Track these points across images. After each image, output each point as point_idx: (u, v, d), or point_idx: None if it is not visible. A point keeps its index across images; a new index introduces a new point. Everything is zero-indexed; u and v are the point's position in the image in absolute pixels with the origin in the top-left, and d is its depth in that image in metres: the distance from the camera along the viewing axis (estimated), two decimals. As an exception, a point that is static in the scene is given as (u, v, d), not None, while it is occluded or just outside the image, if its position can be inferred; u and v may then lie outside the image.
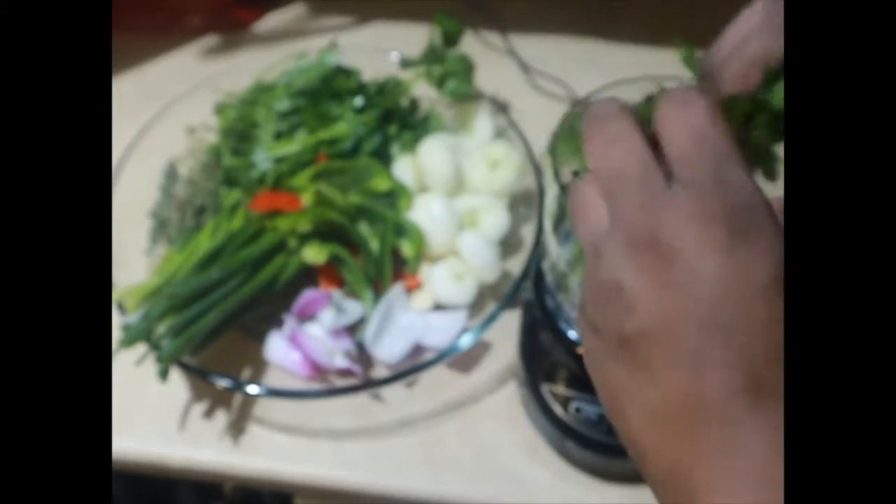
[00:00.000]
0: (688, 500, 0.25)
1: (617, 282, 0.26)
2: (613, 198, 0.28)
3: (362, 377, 0.52)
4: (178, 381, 0.54)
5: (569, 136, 0.44)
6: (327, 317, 0.53)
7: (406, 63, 0.64)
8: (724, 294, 0.24)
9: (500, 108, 0.65)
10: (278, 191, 0.57)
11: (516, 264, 0.57)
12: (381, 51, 0.67)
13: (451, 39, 0.63)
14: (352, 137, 0.59)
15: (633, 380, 0.26)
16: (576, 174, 0.44)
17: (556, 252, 0.46)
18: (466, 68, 0.63)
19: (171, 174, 0.63)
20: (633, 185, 0.27)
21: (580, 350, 0.29)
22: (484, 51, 0.79)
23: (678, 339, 0.25)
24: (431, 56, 0.63)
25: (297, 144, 0.59)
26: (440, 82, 0.63)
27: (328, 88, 0.61)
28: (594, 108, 0.30)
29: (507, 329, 0.54)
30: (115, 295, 0.51)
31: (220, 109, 0.63)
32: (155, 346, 0.49)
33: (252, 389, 0.51)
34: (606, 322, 0.27)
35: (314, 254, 0.55)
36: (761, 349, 0.24)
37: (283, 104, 0.60)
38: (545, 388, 0.49)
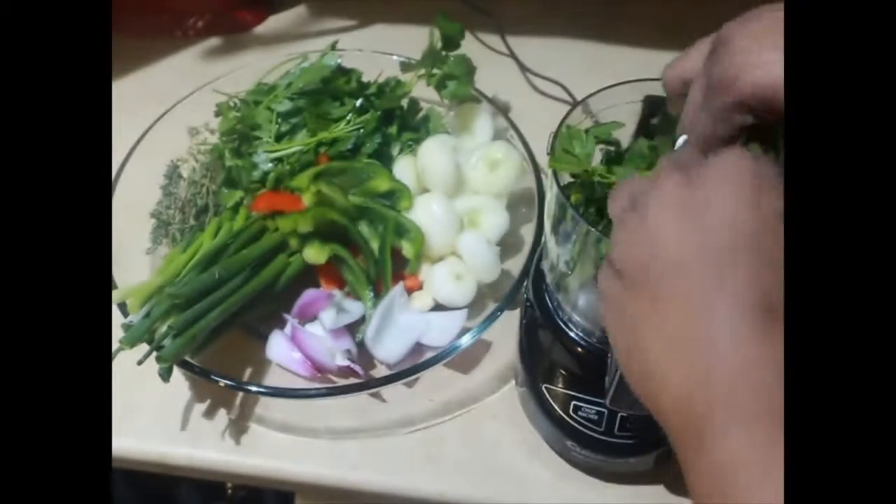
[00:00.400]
0: (702, 424, 0.26)
1: (646, 219, 0.30)
2: (659, 170, 0.32)
3: (363, 377, 0.52)
4: (179, 381, 0.55)
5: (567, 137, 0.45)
6: (328, 316, 0.53)
7: (407, 67, 0.65)
8: (745, 236, 0.28)
9: (500, 109, 0.66)
10: (279, 191, 0.58)
11: (516, 264, 0.58)
12: (382, 53, 0.68)
13: (451, 42, 0.63)
14: (352, 138, 0.59)
15: (653, 308, 0.29)
16: (574, 177, 0.45)
17: (556, 252, 0.46)
18: (467, 70, 0.63)
19: (172, 175, 0.63)
20: (679, 162, 0.31)
21: (599, 288, 0.33)
22: (484, 53, 0.79)
23: (699, 266, 0.28)
24: (432, 58, 0.63)
25: (297, 145, 0.59)
26: (441, 84, 0.63)
27: (329, 90, 0.62)
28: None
29: (507, 329, 0.54)
30: (117, 295, 0.51)
31: (222, 111, 0.63)
32: (157, 346, 0.49)
33: (253, 389, 0.51)
34: (632, 259, 0.30)
35: (315, 254, 0.55)
36: (773, 278, 0.27)
37: (284, 105, 0.60)
38: (545, 388, 0.50)
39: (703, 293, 0.28)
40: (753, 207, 0.28)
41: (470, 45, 0.69)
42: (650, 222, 0.30)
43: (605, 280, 0.32)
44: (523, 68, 0.77)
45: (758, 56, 0.32)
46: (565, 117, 0.45)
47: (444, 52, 0.63)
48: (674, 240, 0.29)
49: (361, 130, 0.60)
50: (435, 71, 0.63)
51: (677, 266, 0.28)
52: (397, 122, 0.63)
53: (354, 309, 0.55)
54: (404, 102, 0.64)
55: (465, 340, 0.52)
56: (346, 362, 0.52)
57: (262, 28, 0.83)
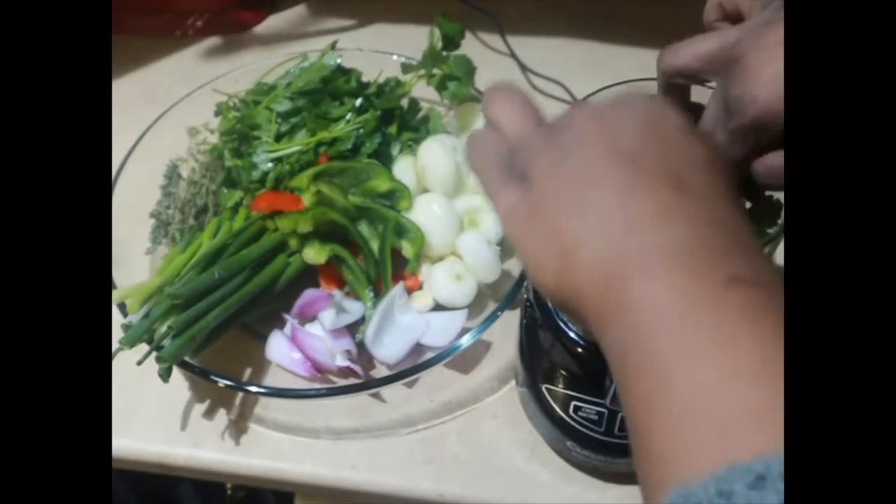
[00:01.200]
0: (620, 284, 0.26)
1: (559, 130, 0.31)
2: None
3: (363, 377, 0.52)
4: (179, 381, 0.55)
5: None
6: (328, 316, 0.53)
7: (407, 68, 0.65)
8: (655, 137, 0.29)
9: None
10: (279, 191, 0.58)
11: (516, 264, 0.58)
12: (382, 53, 0.68)
13: (451, 42, 0.63)
14: (352, 138, 0.59)
15: (578, 196, 0.29)
16: None
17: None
18: (468, 70, 0.63)
19: (172, 175, 0.63)
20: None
21: (499, 213, 0.32)
22: (484, 52, 0.79)
23: (614, 158, 0.29)
24: (432, 59, 0.63)
25: (297, 145, 0.59)
26: (441, 85, 0.63)
27: (328, 90, 0.62)
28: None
29: (507, 329, 0.54)
30: (117, 295, 0.51)
31: (222, 111, 0.63)
32: (157, 346, 0.49)
33: (253, 389, 0.51)
34: (543, 161, 0.30)
35: (315, 254, 0.55)
36: (683, 166, 0.28)
37: (284, 105, 0.60)
38: (545, 388, 0.50)
39: (620, 169, 0.28)
40: (664, 116, 0.30)
41: (470, 45, 0.69)
42: (565, 131, 0.30)
43: (501, 195, 0.31)
44: (523, 68, 0.77)
45: (773, 70, 0.32)
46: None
47: (444, 53, 0.63)
48: (590, 139, 0.29)
49: (361, 130, 0.60)
50: (435, 71, 0.63)
51: (594, 158, 0.29)
52: (397, 122, 0.62)
53: (354, 309, 0.55)
54: (404, 102, 0.64)
55: (465, 340, 0.52)
56: (346, 362, 0.52)
57: (262, 28, 0.83)
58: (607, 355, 0.27)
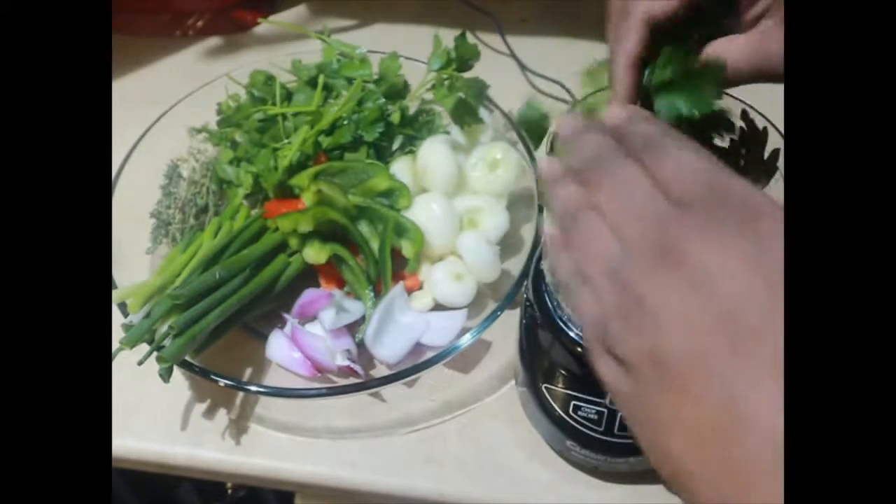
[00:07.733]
0: None
1: (640, 298, 0.26)
2: (625, 226, 0.28)
3: (363, 377, 0.52)
4: (180, 380, 0.55)
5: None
6: (328, 316, 0.53)
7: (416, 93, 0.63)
8: (751, 300, 0.24)
9: (500, 109, 0.66)
10: (283, 199, 0.58)
11: (516, 264, 0.58)
12: (382, 53, 0.68)
13: (465, 63, 0.61)
14: (351, 130, 0.59)
15: (670, 403, 0.25)
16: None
17: (556, 252, 0.46)
18: (479, 92, 0.60)
19: (172, 175, 0.63)
20: (643, 210, 0.28)
21: (607, 391, 0.29)
22: (484, 52, 0.79)
23: (713, 352, 0.24)
24: (441, 59, 0.61)
25: (300, 136, 0.58)
26: (455, 113, 0.60)
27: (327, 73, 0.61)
28: (589, 151, 0.31)
29: (507, 329, 0.54)
30: (117, 295, 0.51)
31: (223, 110, 0.63)
32: (157, 346, 0.49)
33: (253, 389, 0.51)
34: (632, 347, 0.27)
35: (315, 254, 0.55)
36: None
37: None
38: (545, 388, 0.50)
39: (721, 386, 0.24)
40: (752, 263, 0.25)
41: (470, 45, 0.69)
42: (647, 304, 0.26)
43: (607, 372, 0.28)
44: (523, 68, 0.77)
45: None
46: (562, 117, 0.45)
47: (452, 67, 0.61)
48: (682, 326, 0.25)
49: (359, 115, 0.59)
50: (445, 92, 0.60)
51: (688, 354, 0.25)
52: (399, 110, 0.61)
53: (354, 309, 0.55)
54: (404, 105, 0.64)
55: (465, 340, 0.52)
56: (346, 362, 0.52)
57: (262, 28, 0.84)
58: None
